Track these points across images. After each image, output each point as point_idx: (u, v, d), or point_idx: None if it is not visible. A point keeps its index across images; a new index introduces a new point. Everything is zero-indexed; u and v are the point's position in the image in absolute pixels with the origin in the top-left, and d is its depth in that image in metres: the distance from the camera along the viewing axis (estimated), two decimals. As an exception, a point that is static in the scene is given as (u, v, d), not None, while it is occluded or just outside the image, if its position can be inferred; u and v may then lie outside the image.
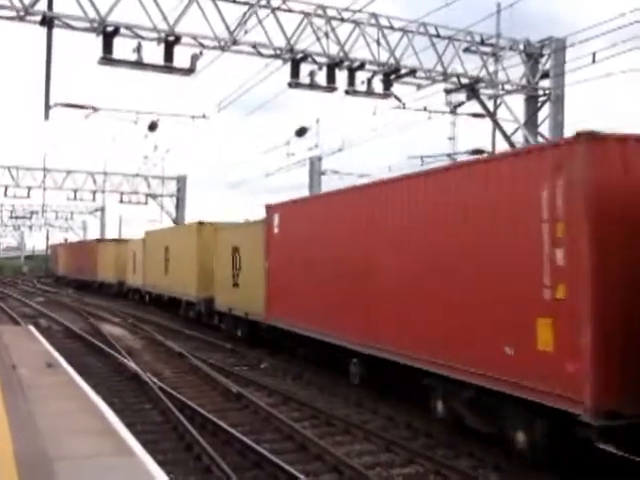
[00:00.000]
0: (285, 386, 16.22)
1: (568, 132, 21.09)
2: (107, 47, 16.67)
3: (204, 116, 27.68)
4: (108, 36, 16.63)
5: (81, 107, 26.75)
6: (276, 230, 19.60)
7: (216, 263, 25.76)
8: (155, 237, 36.86)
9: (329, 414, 13.18)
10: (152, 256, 35.84)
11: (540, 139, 21.72)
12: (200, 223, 28.88)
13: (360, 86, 19.45)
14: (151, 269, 36.09)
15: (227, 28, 17.76)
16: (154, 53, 17.31)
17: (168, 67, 17.36)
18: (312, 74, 18.79)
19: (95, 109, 27.01)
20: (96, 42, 16.69)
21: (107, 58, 16.75)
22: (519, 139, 22.12)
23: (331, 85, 18.93)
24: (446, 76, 20.73)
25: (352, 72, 19.15)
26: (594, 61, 17.88)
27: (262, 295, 20.19)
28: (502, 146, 22.50)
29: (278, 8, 18.15)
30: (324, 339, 16.19)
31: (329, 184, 33.22)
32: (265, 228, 20.28)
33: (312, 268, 17.12)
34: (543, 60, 21.73)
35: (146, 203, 46.97)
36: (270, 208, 20.30)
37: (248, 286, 22.04)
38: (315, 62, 18.87)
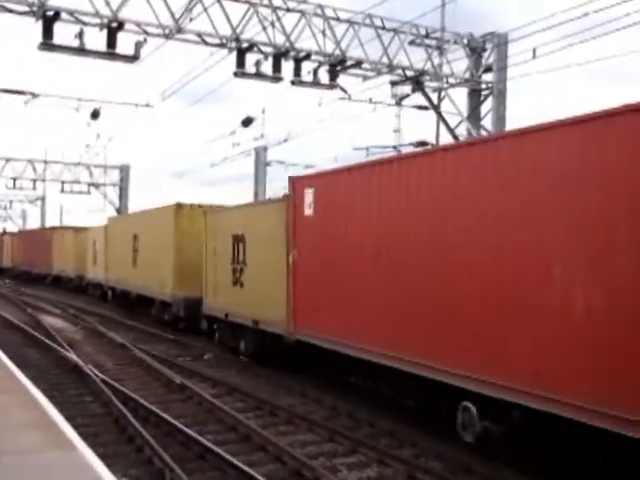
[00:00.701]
0: (230, 378, 16.17)
1: (510, 125, 21.54)
2: (47, 32, 16.31)
3: (148, 105, 27.35)
4: (48, 21, 16.27)
5: (20, 93, 26.11)
6: (308, 211, 14.54)
7: (207, 255, 20.86)
8: (121, 223, 32.76)
9: (273, 404, 13.21)
10: (116, 246, 31.32)
11: (483, 132, 22.06)
12: (179, 205, 23.94)
13: (306, 76, 19.46)
14: (115, 261, 31.49)
15: (172, 15, 17.54)
16: (97, 39, 17.02)
17: (111, 54, 17.07)
18: (258, 64, 18.71)
19: (35, 95, 26.40)
20: (36, 27, 16.33)
21: (47, 44, 16.39)
22: (462, 132, 22.44)
23: (277, 75, 18.87)
24: (391, 68, 20.87)
25: (298, 62, 19.13)
26: (534, 56, 18.23)
27: (281, 298, 15.38)
28: (446, 138, 22.82)
29: (224, -4, 17.98)
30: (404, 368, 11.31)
31: (274, 174, 33.20)
32: (289, 209, 15.21)
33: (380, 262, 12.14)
34: (486, 54, 22.06)
35: (88, 192, 46.10)
36: (298, 181, 15.25)
37: (257, 285, 17.47)
38: (261, 52, 18.79)
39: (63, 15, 16.53)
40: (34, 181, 45.11)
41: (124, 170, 46.45)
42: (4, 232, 72.07)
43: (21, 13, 16.37)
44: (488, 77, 22.14)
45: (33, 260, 52.40)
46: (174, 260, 23.54)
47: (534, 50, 18.16)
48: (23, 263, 56.54)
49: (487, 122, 22.16)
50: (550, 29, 16.92)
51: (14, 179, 44.17)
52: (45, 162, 44.78)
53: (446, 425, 10.62)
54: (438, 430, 10.96)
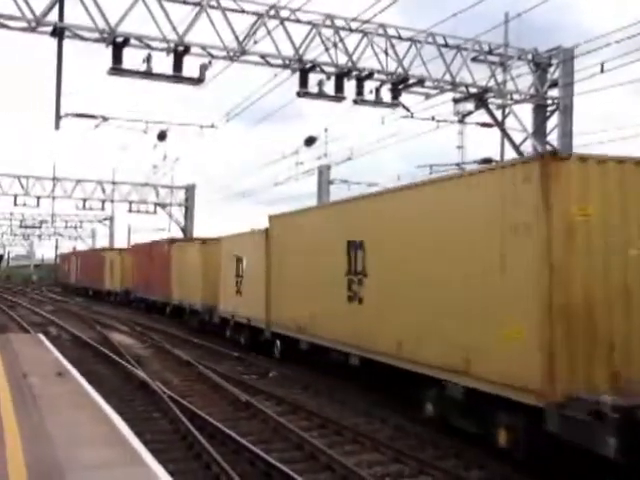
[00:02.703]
0: (294, 395, 16.21)
1: (576, 141, 21.16)
2: (117, 57, 16.80)
3: (213, 126, 27.79)
4: (118, 47, 16.76)
5: (91, 117, 26.92)
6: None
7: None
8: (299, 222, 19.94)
9: (338, 423, 13.18)
10: (291, 264, 19.80)
11: (549, 148, 21.73)
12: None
13: (368, 95, 19.52)
14: (290, 290, 19.71)
15: (236, 38, 17.86)
16: (163, 63, 17.47)
17: (177, 77, 17.47)
18: (320, 84, 18.89)
19: (105, 119, 27.18)
20: (106, 52, 16.85)
21: (117, 68, 16.88)
22: (528, 148, 22.14)
23: (339, 95, 19.00)
24: (454, 85, 20.77)
25: (360, 82, 19.21)
26: (602, 71, 17.89)
27: None
28: (511, 155, 22.55)
29: (287, 18, 18.24)
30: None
31: (338, 194, 33.24)
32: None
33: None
34: (551, 70, 21.76)
35: (155, 212, 47.12)
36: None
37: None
38: (323, 72, 18.95)
39: (132, 41, 17.01)
40: (103, 202, 46.39)
41: (190, 190, 47.30)
42: (111, 248, 61.63)
43: (92, 40, 16.90)
44: (554, 93, 21.82)
45: (149, 285, 39.61)
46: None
47: (602, 65, 17.82)
48: (138, 287, 42.57)
49: (553, 138, 21.82)
50: (618, 43, 16.61)
51: (84, 200, 45.53)
52: (114, 183, 46.04)
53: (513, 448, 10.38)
54: (504, 453, 10.76)
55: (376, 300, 14.33)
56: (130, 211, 46.95)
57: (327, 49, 18.68)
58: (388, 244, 13.86)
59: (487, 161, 24.44)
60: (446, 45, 20.27)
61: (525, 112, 22.32)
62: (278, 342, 20.39)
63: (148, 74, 17.29)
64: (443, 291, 11.77)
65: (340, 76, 18.89)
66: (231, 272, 24.68)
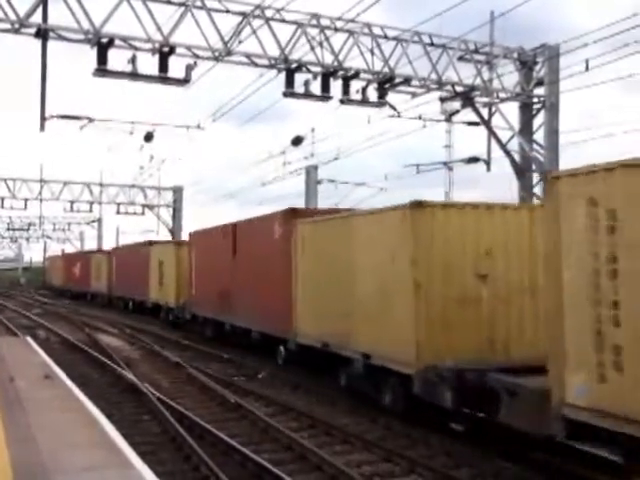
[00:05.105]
0: (284, 396, 16.19)
1: (562, 140, 21.24)
2: (101, 58, 16.74)
3: (199, 126, 27.69)
4: (103, 47, 16.71)
5: (76, 118, 26.76)
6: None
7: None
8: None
9: (328, 423, 13.18)
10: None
11: (535, 146, 21.80)
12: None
13: (355, 95, 19.54)
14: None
15: (221, 38, 17.83)
16: (149, 64, 17.42)
17: (163, 78, 17.43)
18: (307, 83, 18.89)
19: (90, 120, 27.04)
20: (91, 53, 16.78)
21: (102, 69, 16.82)
22: (514, 147, 22.21)
23: (326, 94, 19.00)
24: (441, 84, 20.81)
25: (346, 81, 19.22)
26: (587, 68, 17.96)
27: None
28: (498, 153, 22.61)
29: (272, 18, 18.22)
30: None
31: (325, 193, 33.24)
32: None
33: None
34: (537, 68, 21.82)
35: (143, 214, 47.01)
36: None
37: None
38: (309, 71, 18.95)
39: (117, 42, 16.95)
40: (91, 203, 46.23)
41: (177, 191, 47.19)
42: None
43: (77, 41, 16.82)
44: (540, 91, 21.89)
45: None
46: None
47: (587, 62, 17.90)
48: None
49: (539, 136, 21.88)
50: (602, 41, 16.68)
51: (72, 202, 45.31)
52: (101, 185, 45.87)
53: (503, 446, 10.44)
54: (495, 449, 10.78)
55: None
56: (118, 213, 46.86)
57: (313, 48, 18.68)
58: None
59: (474, 160, 24.50)
60: (432, 44, 20.29)
61: (511, 110, 22.42)
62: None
63: (133, 75, 17.25)
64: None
65: (326, 76, 18.88)
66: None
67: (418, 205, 12.77)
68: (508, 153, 22.23)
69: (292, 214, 19.23)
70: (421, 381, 12.19)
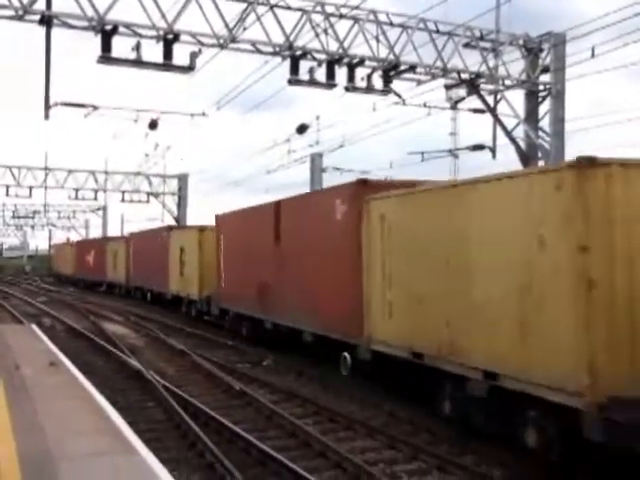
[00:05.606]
0: (288, 383, 16.24)
1: (568, 127, 21.14)
2: (106, 46, 16.68)
3: (204, 114, 27.65)
4: (107, 35, 16.64)
5: (81, 106, 26.75)
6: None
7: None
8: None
9: (332, 410, 13.21)
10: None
11: (541, 134, 21.71)
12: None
13: (360, 82, 19.46)
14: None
15: (226, 25, 17.76)
16: (153, 51, 17.37)
17: (167, 65, 17.37)
18: (312, 71, 18.80)
19: (95, 107, 27.02)
20: (95, 41, 16.73)
21: (106, 57, 16.76)
22: (520, 134, 22.12)
23: (331, 82, 18.93)
24: (446, 72, 20.71)
25: (351, 68, 19.15)
26: (593, 55, 17.86)
27: None
28: (503, 141, 22.52)
29: (276, 5, 18.12)
30: None
31: (331, 181, 33.17)
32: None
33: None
34: (543, 55, 21.69)
35: (148, 201, 46.99)
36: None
37: None
38: (314, 59, 18.88)
39: (121, 29, 16.89)
40: (95, 191, 46.22)
41: (182, 179, 47.14)
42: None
43: (81, 28, 16.78)
44: (545, 78, 21.77)
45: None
46: None
47: (593, 49, 17.80)
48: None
49: (545, 124, 21.78)
50: (609, 27, 16.58)
51: (76, 190, 45.31)
52: (106, 173, 45.83)
53: (507, 433, 10.45)
54: (498, 438, 10.80)
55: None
56: (123, 201, 46.84)
57: (317, 35, 18.59)
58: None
59: (480, 147, 24.41)
60: (437, 31, 20.19)
61: (517, 98, 22.30)
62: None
63: (138, 62, 17.19)
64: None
65: (331, 63, 18.80)
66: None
67: (588, 163, 9.00)
68: (514, 140, 22.13)
69: (362, 187, 15.32)
70: (598, 420, 8.57)
